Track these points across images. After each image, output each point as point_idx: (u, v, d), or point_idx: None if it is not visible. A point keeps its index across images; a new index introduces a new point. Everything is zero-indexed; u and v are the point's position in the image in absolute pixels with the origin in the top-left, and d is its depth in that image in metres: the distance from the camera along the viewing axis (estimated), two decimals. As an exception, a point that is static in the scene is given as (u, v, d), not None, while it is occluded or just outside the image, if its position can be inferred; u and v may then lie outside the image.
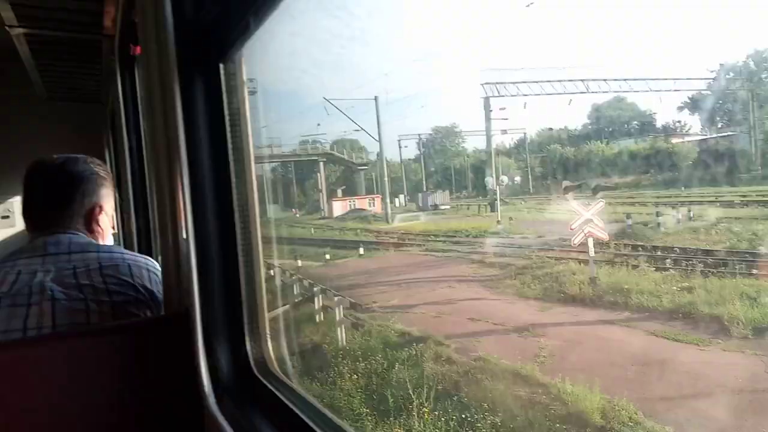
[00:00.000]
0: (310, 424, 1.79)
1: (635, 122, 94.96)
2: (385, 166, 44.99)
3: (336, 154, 64.25)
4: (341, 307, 12.41)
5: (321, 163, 64.98)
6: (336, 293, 14.34)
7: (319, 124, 65.45)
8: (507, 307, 13.39)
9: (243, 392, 2.10)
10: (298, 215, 71.59)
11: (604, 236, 14.24)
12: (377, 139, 42.82)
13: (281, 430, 1.89)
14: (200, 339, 2.01)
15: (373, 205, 65.02)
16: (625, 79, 51.37)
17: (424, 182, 70.41)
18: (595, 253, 14.04)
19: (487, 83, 46.39)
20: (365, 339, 11.94)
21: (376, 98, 42.39)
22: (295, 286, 16.09)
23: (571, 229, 14.24)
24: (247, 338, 2.16)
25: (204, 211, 2.10)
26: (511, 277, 16.53)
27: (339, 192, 71.31)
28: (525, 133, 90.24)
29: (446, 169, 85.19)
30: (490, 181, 30.27)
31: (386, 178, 43.86)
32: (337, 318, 12.37)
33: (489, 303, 14.14)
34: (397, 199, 71.23)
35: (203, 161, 2.10)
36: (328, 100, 43.41)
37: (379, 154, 44.29)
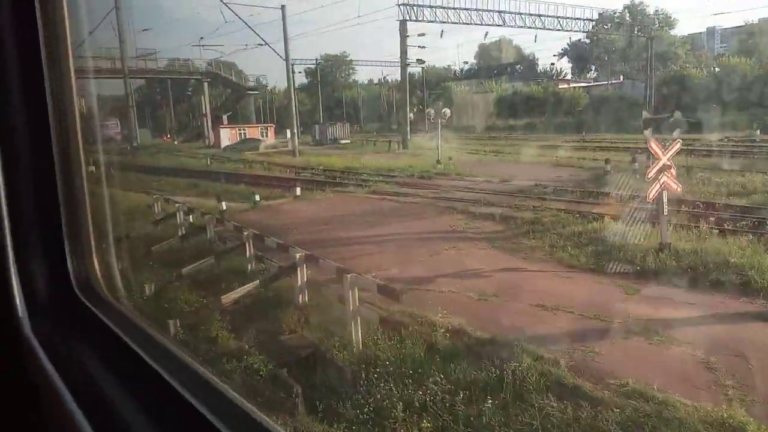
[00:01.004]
0: (138, 350, 1.65)
1: (519, 66, 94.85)
2: (293, 89, 38.77)
3: (222, 74, 56.10)
4: (355, 288, 7.75)
5: (205, 84, 56.58)
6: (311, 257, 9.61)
7: (202, 38, 56.31)
8: (571, 285, 9.56)
9: (63, 315, 1.96)
10: (176, 143, 62.83)
11: (678, 188, 10.71)
12: (284, 57, 36.33)
13: (104, 355, 1.76)
14: (11, 256, 1.87)
15: (266, 135, 58.36)
16: (539, 15, 48.89)
17: (321, 114, 64.42)
18: (668, 210, 10.51)
19: (404, 3, 41.33)
20: (399, 344, 7.52)
21: (283, 7, 35.78)
22: (246, 245, 10.97)
23: (647, 177, 10.50)
24: (68, 257, 2.02)
25: (12, 126, 1.94)
26: (524, 235, 12.68)
27: (225, 119, 63.26)
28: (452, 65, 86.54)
29: (338, 101, 79.35)
30: (431, 113, 25.86)
31: (294, 103, 37.72)
32: (350, 307, 7.74)
33: (534, 277, 10.21)
34: (288, 130, 64.83)
35: (11, 75, 1.93)
36: (226, 4, 35.86)
37: (288, 77, 37.86)
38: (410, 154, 37.43)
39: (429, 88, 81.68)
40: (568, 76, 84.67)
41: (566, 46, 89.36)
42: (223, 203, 16.93)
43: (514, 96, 66.76)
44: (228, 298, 8.76)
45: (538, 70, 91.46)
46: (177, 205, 16.22)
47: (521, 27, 46.98)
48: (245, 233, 11.00)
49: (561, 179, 20.35)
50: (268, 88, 64.43)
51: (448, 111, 25.97)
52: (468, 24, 44.33)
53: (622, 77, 72.57)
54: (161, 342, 1.88)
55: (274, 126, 58.18)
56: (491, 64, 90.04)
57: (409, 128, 43.67)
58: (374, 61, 71.88)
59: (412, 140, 42.30)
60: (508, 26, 46.24)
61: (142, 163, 37.78)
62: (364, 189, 20.70)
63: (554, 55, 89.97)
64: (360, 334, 7.93)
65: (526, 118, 61.70)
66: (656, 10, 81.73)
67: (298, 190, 19.28)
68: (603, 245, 11.16)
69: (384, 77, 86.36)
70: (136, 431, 1.46)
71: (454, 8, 42.85)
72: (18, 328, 1.83)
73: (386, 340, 7.78)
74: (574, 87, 65.76)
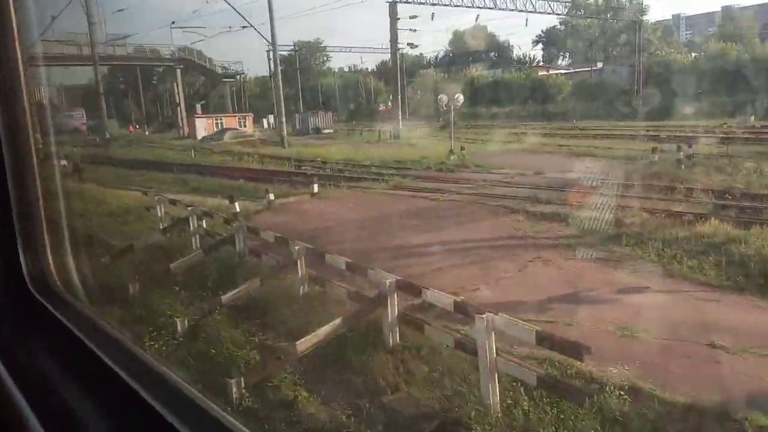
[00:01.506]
0: (96, 350, 1.58)
1: (493, 53, 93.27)
2: (279, 76, 35.85)
3: (196, 60, 52.53)
4: (492, 334, 5.47)
5: (178, 71, 52.92)
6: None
7: (174, 22, 52.51)
8: (728, 311, 7.53)
9: (18, 316, 1.90)
10: (147, 134, 58.94)
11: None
12: (269, 40, 33.41)
13: (59, 355, 1.69)
14: None
15: (244, 125, 55.13)
16: (530, -1, 46.96)
17: (300, 103, 61.19)
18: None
19: (394, -15, 38.77)
20: (559, 414, 5.35)
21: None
22: (298, 263, 8.54)
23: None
24: (20, 252, 1.95)
25: None
26: (613, 240, 10.60)
27: (198, 108, 59.62)
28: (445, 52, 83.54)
29: (312, 89, 76.15)
30: (444, 99, 23.58)
31: (280, 91, 34.89)
32: (487, 360, 5.46)
33: (670, 299, 8.15)
34: (265, 120, 61.53)
35: None
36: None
37: (275, 62, 34.88)
38: (405, 144, 35.17)
39: (406, 75, 79.41)
40: (541, 63, 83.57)
41: (540, 33, 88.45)
42: (237, 204, 14.33)
43: (496, 83, 65.08)
44: (305, 343, 6.41)
45: (513, 57, 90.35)
46: (183, 206, 13.61)
47: (512, 10, 44.97)
48: (296, 248, 8.59)
49: (598, 171, 18.41)
50: (244, 75, 60.91)
51: (461, 97, 23.72)
52: (459, 6, 42.09)
53: (600, 64, 71.44)
54: (120, 341, 1.77)
55: (252, 115, 55.00)
56: (467, 51, 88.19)
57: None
58: (352, 47, 68.76)
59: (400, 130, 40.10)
60: (499, 9, 44.17)
61: (119, 156, 34.49)
62: (384, 184, 18.36)
63: (533, 42, 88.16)
64: (497, 398, 5.72)
65: (508, 106, 60.10)
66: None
67: (316, 187, 16.79)
68: (728, 255, 9.17)
69: (360, 64, 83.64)
70: None
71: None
72: None
73: (537, 405, 5.60)
74: (556, 74, 64.27)
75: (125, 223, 15.87)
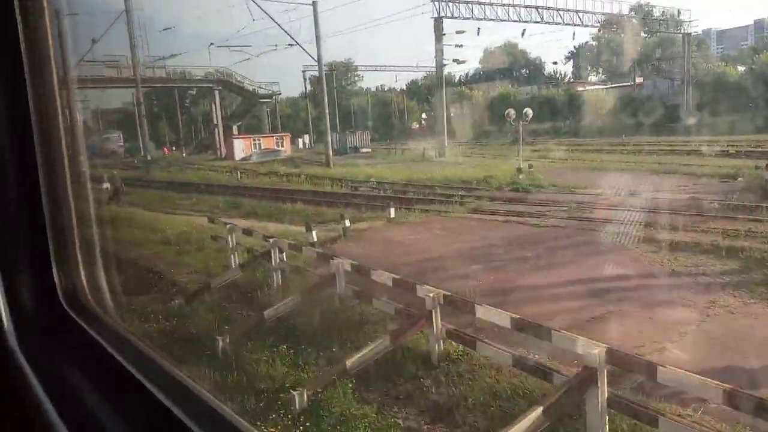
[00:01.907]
0: (129, 367, 1.60)
1: (524, 69, 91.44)
2: (326, 94, 34.32)
3: (234, 81, 51.53)
4: None
5: (216, 92, 51.99)
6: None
7: (211, 43, 51.69)
8: None
9: (50, 329, 1.90)
10: (184, 155, 57.98)
11: None
12: (315, 58, 31.94)
13: (93, 374, 1.69)
14: None
15: (282, 145, 53.85)
16: (576, 11, 45.07)
17: (337, 122, 59.72)
18: None
19: (439, -1, 37.20)
20: None
21: (314, 4, 31.37)
22: (433, 315, 6.63)
23: None
24: (54, 269, 1.95)
25: None
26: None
27: (234, 129, 58.60)
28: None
29: (345, 108, 74.89)
30: (512, 114, 21.62)
31: (327, 110, 33.33)
32: None
33: None
34: (300, 140, 60.22)
35: None
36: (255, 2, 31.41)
37: (319, 79, 33.33)
38: (453, 162, 33.26)
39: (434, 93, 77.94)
40: (572, 80, 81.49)
41: (573, 50, 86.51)
42: (313, 232, 12.49)
43: (532, 100, 63.11)
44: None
45: (544, 74, 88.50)
46: (254, 235, 11.83)
47: (558, 24, 43.10)
48: (430, 295, 6.69)
49: (700, 190, 16.28)
50: (280, 96, 59.82)
51: (530, 111, 21.79)
52: (504, 21, 40.37)
53: (640, 79, 68.98)
54: (150, 356, 1.79)
55: (289, 135, 53.73)
56: (497, 69, 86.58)
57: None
58: (385, 66, 67.27)
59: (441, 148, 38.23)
60: (546, 23, 42.33)
61: (160, 179, 33.20)
62: (460, 207, 16.45)
63: (566, 57, 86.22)
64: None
65: (547, 122, 57.97)
66: (663, 11, 79.29)
67: (392, 211, 14.91)
68: None
69: (392, 83, 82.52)
70: None
71: (490, 4, 38.90)
72: (3, 341, 1.74)
73: None
74: (597, 89, 62.00)
75: (184, 253, 14.18)
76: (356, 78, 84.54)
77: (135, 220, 19.79)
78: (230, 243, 11.54)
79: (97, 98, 59.01)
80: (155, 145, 66.88)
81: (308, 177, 27.89)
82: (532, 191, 18.53)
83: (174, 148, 63.06)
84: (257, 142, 51.02)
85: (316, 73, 67.38)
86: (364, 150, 50.22)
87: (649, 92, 59.13)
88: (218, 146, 52.14)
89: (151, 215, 21.15)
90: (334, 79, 59.99)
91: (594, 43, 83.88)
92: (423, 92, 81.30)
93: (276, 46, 37.79)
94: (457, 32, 37.60)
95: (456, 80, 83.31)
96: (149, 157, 37.07)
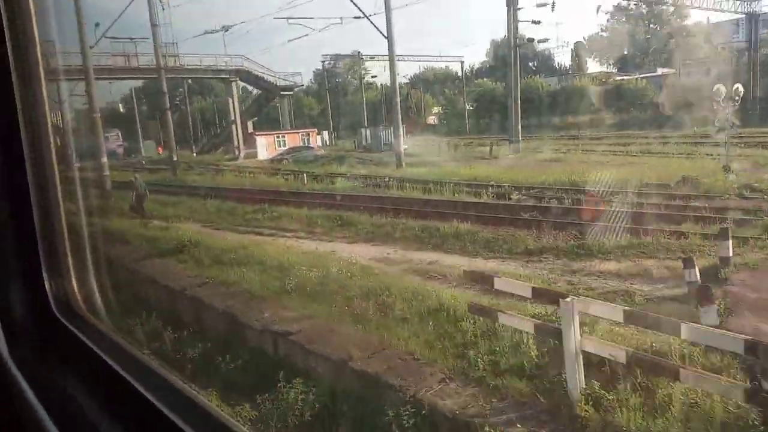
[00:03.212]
0: (122, 373, 1.52)
1: (533, 62, 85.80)
2: (396, 82, 27.81)
3: (253, 71, 44.74)
4: None
5: (233, 84, 45.10)
6: None
7: (226, 29, 44.46)
8: None
9: (42, 337, 1.84)
10: (195, 155, 50.84)
11: None
12: (386, 35, 25.52)
13: (87, 381, 1.64)
14: None
15: (308, 143, 47.19)
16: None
17: (365, 117, 53.15)
18: None
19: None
20: None
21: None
22: None
23: None
24: (45, 276, 1.87)
25: None
26: None
27: (249, 125, 51.66)
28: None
29: (351, 103, 68.18)
30: (720, 90, 15.44)
31: (398, 98, 26.92)
32: None
33: None
34: (319, 136, 53.58)
35: None
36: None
37: (391, 60, 26.86)
38: (554, 159, 27.28)
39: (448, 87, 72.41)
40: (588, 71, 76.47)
41: (582, 40, 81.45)
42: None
43: (563, 91, 57.70)
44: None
45: (555, 66, 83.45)
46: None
47: None
48: None
49: None
50: (302, 87, 53.06)
51: (741, 88, 15.84)
52: None
53: (661, 70, 63.74)
54: (146, 364, 1.73)
55: (316, 132, 47.04)
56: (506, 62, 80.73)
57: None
58: (407, 56, 60.42)
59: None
60: None
61: (195, 184, 26.53)
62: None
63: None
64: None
65: (587, 114, 52.55)
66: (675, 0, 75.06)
67: (730, 247, 8.63)
68: None
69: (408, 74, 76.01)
70: None
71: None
72: None
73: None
74: (636, 78, 56.54)
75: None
76: (364, 71, 78.11)
77: (214, 249, 13.35)
78: (571, 340, 5.23)
79: (102, 91, 51.60)
80: (154, 144, 59.69)
81: (396, 181, 21.55)
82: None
83: (178, 147, 55.87)
84: (282, 139, 44.30)
85: (330, 63, 60.74)
86: (402, 147, 43.95)
87: (692, 82, 53.92)
88: (237, 144, 45.23)
89: (234, 238, 14.74)
90: (361, 71, 53.02)
91: (605, 34, 79.17)
92: (437, 84, 75.39)
93: (341, 19, 30.67)
94: (538, 5, 31.59)
95: (455, 74, 76.95)
96: (175, 158, 30.12)
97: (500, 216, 13.69)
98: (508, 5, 30.82)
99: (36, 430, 1.50)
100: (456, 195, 17.19)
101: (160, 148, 57.28)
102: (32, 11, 1.77)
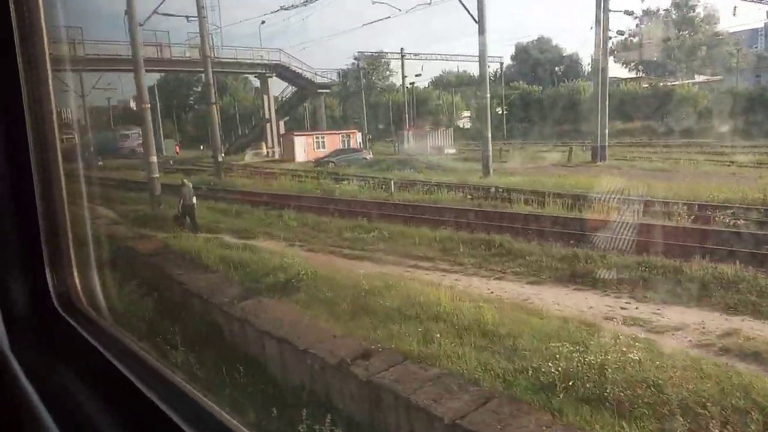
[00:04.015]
0: (125, 371, 1.48)
1: (558, 67, 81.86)
2: (487, 81, 23.69)
3: (292, 66, 40.66)
4: None
5: (268, 80, 41.01)
6: None
7: (263, 21, 40.08)
8: None
9: (43, 332, 1.80)
10: (222, 155, 46.54)
11: None
12: (478, 21, 21.40)
13: (88, 377, 1.59)
14: None
15: (348, 144, 43.13)
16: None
17: (406, 118, 48.77)
18: None
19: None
20: None
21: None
22: None
23: None
24: (47, 270, 1.83)
25: None
26: None
27: (281, 125, 47.50)
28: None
29: (375, 105, 64.08)
30: None
31: (486, 97, 22.80)
32: None
33: None
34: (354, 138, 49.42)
35: None
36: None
37: (480, 50, 22.69)
38: (642, 168, 23.48)
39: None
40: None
41: (611, 47, 77.84)
42: None
43: (611, 96, 53.83)
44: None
45: (583, 70, 79.81)
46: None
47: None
48: None
49: None
50: (341, 84, 48.96)
51: None
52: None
53: (699, 77, 60.06)
54: (146, 360, 1.66)
55: (357, 132, 42.89)
56: (531, 65, 77.60)
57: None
58: (433, 55, 56.66)
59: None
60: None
61: (246, 189, 22.38)
62: None
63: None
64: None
65: (638, 121, 48.78)
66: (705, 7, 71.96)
67: None
68: None
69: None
70: None
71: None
72: None
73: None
74: (689, 84, 52.70)
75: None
76: (387, 72, 74.01)
77: (342, 287, 9.32)
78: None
79: (108, 85, 47.28)
80: (173, 142, 55.36)
81: (506, 191, 17.49)
82: None
83: (202, 147, 51.58)
84: (321, 140, 40.18)
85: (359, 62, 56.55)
86: (449, 151, 39.96)
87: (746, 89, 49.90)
88: (271, 145, 41.05)
89: (353, 268, 10.73)
90: (402, 69, 48.86)
91: (634, 39, 75.52)
92: (463, 86, 71.28)
93: (430, 2, 26.54)
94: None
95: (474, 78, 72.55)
96: (220, 158, 25.95)
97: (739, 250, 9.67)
98: (598, 3, 26.82)
99: (33, 422, 1.46)
100: (634, 216, 13.12)
101: (177, 147, 52.95)
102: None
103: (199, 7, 24.39)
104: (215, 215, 17.74)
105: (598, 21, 27.18)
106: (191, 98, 79.40)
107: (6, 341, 1.67)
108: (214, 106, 25.53)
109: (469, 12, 20.98)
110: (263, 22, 44.58)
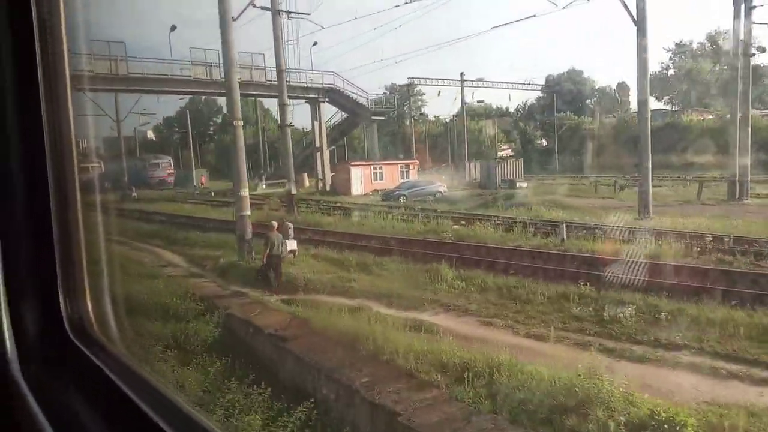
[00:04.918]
0: (136, 400, 1.42)
1: (590, 100, 77.77)
2: (647, 91, 19.08)
3: (346, 90, 36.36)
4: None
5: (320, 105, 36.65)
6: None
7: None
8: None
9: (55, 359, 1.73)
10: (263, 186, 41.84)
11: None
12: (635, 20, 16.83)
13: (98, 405, 1.54)
14: (1, 295, 1.64)
15: (408, 176, 38.59)
16: None
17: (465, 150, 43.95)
18: None
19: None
20: None
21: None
22: None
23: None
24: (61, 297, 1.76)
25: (5, 166, 1.65)
26: None
27: (327, 153, 42.96)
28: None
29: (407, 136, 59.67)
30: None
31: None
32: None
33: None
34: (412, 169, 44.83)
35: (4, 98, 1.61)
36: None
37: (641, 68, 18.17)
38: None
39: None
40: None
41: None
42: None
43: (673, 128, 49.65)
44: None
45: (619, 102, 76.18)
46: None
47: None
48: None
49: None
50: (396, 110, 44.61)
51: None
52: None
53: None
54: (156, 388, 1.62)
55: (417, 163, 38.25)
56: (561, 99, 73.28)
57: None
58: (493, 82, 52.34)
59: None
60: None
61: (344, 230, 17.47)
62: None
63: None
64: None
65: (707, 155, 44.31)
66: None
67: None
68: None
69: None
70: None
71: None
72: (6, 370, 1.59)
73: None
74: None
75: None
76: (420, 103, 69.95)
77: None
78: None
79: (144, 110, 42.77)
80: (202, 173, 50.53)
81: (743, 245, 12.61)
82: None
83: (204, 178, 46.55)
84: (379, 171, 35.52)
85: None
86: (521, 184, 35.30)
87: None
88: (321, 176, 36.40)
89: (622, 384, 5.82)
90: (462, 100, 44.46)
91: (673, 72, 72.06)
92: (496, 116, 67.03)
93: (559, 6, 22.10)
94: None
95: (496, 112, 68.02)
96: (294, 191, 21.15)
97: None
98: (735, 4, 22.53)
99: None
100: None
101: (203, 178, 48.13)
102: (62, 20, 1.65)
103: (276, 35, 20.12)
104: (332, 268, 12.86)
105: (735, 37, 22.83)
106: (211, 127, 74.89)
107: (17, 367, 1.59)
108: (287, 129, 20.91)
109: (630, 12, 16.50)
110: (315, 44, 40.42)
